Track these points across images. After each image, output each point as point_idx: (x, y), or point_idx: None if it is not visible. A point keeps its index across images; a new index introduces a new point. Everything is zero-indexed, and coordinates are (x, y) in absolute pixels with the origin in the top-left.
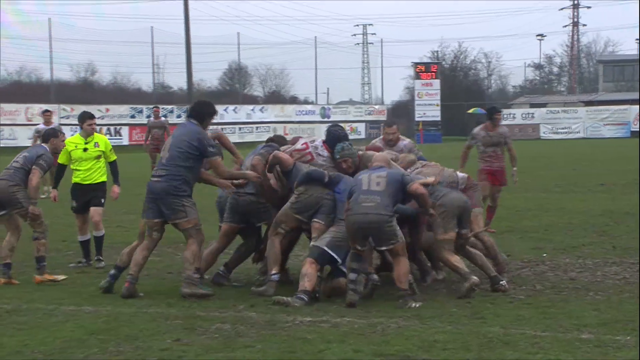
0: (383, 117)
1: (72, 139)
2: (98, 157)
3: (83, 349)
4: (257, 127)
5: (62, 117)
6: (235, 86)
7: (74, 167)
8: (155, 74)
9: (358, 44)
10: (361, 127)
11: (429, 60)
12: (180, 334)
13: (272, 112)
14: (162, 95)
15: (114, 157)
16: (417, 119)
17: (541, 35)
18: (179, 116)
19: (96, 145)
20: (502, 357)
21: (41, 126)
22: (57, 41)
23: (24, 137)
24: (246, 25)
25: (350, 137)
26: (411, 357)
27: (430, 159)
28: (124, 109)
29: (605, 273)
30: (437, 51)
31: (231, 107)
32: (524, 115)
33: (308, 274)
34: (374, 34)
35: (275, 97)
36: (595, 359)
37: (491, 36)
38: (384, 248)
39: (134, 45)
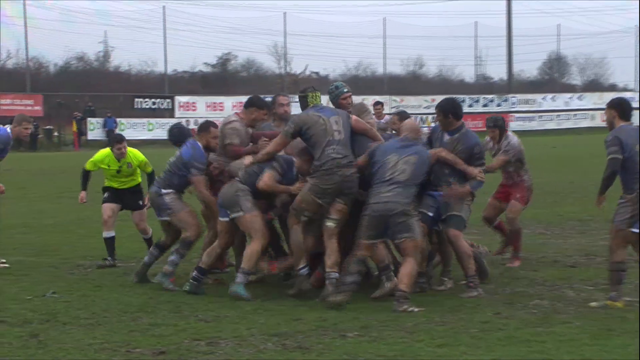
0: None
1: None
2: None
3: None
4: (575, 115)
5: (392, 107)
6: (554, 75)
7: None
8: (477, 65)
9: None
10: None
11: None
12: (500, 308)
13: (590, 99)
14: (483, 85)
15: None
16: None
17: None
18: (498, 105)
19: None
20: None
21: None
22: (391, 38)
23: None
24: (566, 17)
25: None
26: None
27: None
28: None
29: None
30: None
31: (549, 95)
32: None
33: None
34: None
35: (594, 85)
36: None
37: None
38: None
39: (459, 40)
